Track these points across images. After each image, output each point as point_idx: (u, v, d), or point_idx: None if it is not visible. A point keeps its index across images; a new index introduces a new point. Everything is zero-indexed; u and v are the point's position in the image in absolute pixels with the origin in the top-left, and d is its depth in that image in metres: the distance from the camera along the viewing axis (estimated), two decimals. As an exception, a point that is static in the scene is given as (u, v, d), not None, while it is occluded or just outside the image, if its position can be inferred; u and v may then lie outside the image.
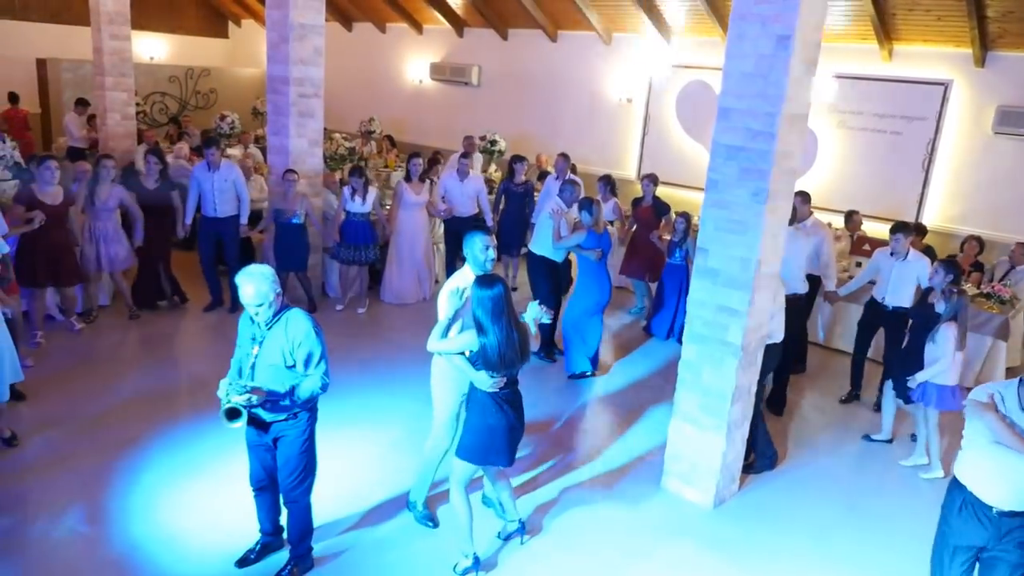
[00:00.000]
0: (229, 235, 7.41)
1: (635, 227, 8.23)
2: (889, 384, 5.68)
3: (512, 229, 8.66)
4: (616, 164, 11.53)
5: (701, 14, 9.86)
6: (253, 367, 3.40)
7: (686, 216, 7.67)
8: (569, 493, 4.76)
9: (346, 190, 7.61)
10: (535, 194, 8.91)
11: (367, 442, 5.11)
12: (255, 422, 3.48)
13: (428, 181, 8.28)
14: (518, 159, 8.77)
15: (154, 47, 15.34)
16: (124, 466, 4.62)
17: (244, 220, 7.47)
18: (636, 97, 11.32)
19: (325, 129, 11.62)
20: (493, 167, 11.55)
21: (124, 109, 10.46)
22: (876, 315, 6.26)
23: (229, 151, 11.16)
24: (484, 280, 3.57)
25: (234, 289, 7.24)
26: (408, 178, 7.99)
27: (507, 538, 4.20)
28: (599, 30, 11.25)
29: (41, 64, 13.13)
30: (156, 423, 5.15)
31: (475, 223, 8.27)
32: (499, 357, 3.53)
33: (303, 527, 3.75)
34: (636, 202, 8.40)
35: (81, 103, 11.19)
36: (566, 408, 5.98)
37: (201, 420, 5.08)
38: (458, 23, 13.05)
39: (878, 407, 6.15)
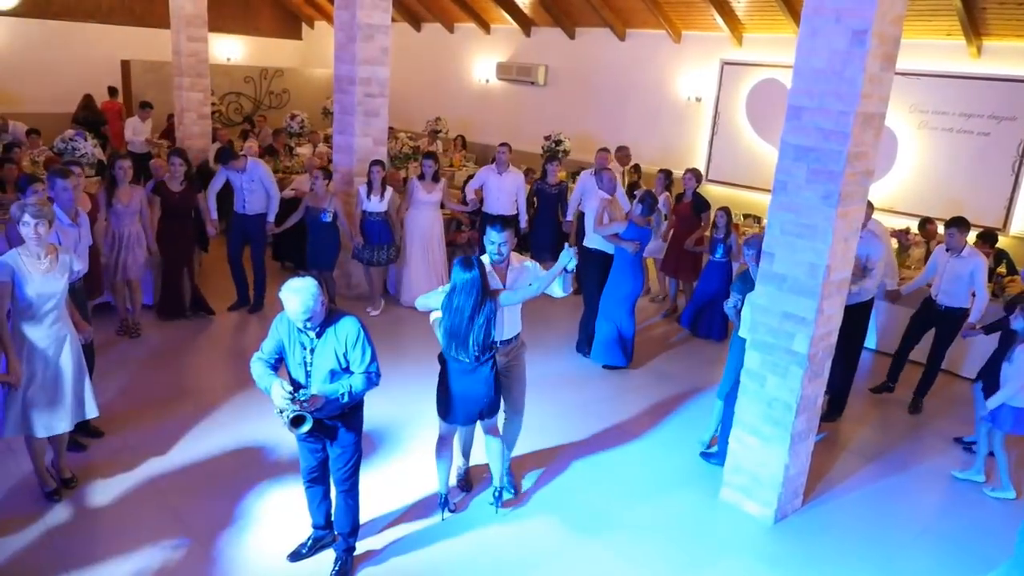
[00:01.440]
0: (256, 233, 7.33)
1: (674, 224, 8.13)
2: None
3: (545, 232, 8.40)
4: (683, 164, 11.20)
5: (774, 9, 9.56)
6: (309, 374, 3.44)
7: (726, 211, 7.49)
8: (619, 501, 4.64)
9: (361, 189, 7.40)
10: (568, 196, 8.63)
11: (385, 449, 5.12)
12: (317, 424, 3.51)
13: (443, 180, 7.93)
14: (551, 159, 8.52)
15: (231, 48, 15.84)
16: (175, 461, 4.74)
17: (271, 218, 7.34)
18: (705, 96, 11.07)
19: (391, 128, 11.80)
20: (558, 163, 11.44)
21: (200, 109, 10.80)
22: (929, 313, 6.11)
23: (298, 150, 11.43)
24: (464, 263, 3.84)
25: (258, 288, 7.39)
26: (421, 176, 7.71)
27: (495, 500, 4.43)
28: (668, 28, 11.05)
29: (125, 65, 13.69)
30: (196, 421, 5.27)
31: (507, 224, 7.99)
32: (451, 332, 3.90)
33: (354, 520, 3.78)
34: (676, 198, 8.27)
35: (146, 106, 11.10)
36: (611, 408, 5.86)
37: (248, 417, 5.17)
38: (525, 22, 13.01)
39: (914, 409, 6.21)
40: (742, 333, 4.81)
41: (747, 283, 4.95)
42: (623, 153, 9.28)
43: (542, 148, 11.36)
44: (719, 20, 10.23)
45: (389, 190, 7.46)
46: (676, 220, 8.01)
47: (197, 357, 6.45)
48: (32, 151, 9.31)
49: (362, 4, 7.33)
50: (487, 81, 13.97)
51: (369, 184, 7.32)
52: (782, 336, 4.29)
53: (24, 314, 3.87)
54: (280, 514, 4.19)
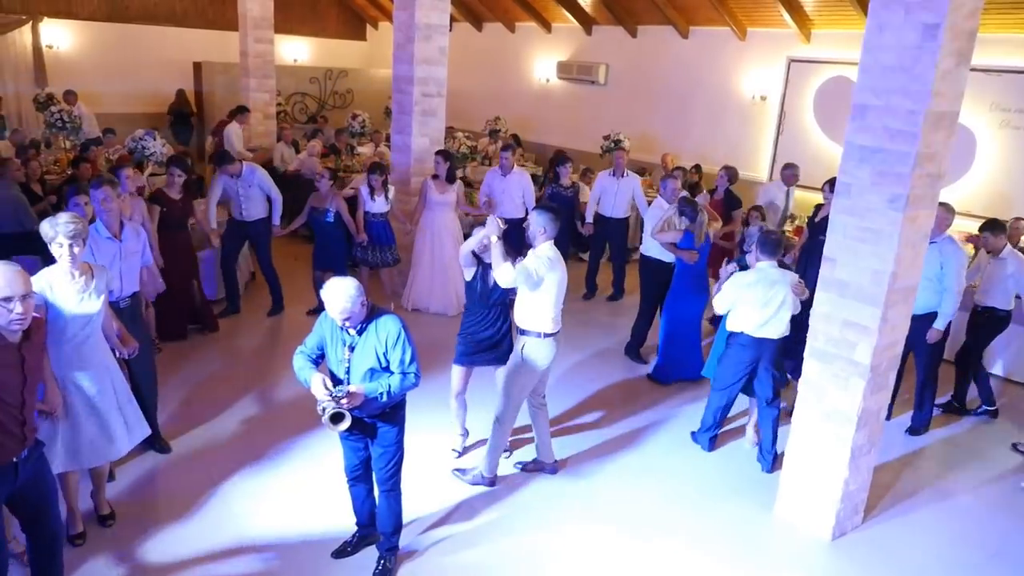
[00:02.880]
0: (258, 238, 7.18)
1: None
2: None
3: (559, 236, 8.10)
4: (747, 164, 11.00)
5: (844, 4, 9.21)
6: (348, 372, 3.45)
7: (759, 209, 7.36)
8: (670, 509, 4.53)
9: (363, 190, 7.25)
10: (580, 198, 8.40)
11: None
12: (357, 422, 3.52)
13: (459, 182, 7.68)
14: (562, 160, 8.23)
15: (298, 50, 16.18)
16: (223, 457, 4.83)
17: (276, 220, 7.20)
18: (771, 94, 10.75)
19: (450, 128, 11.85)
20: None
21: (266, 109, 11.09)
22: (972, 316, 6.02)
23: (359, 149, 11.59)
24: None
25: (275, 291, 7.11)
26: (435, 176, 7.47)
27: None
28: (733, 25, 10.77)
29: (197, 67, 14.14)
30: (241, 420, 5.36)
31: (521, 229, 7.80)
32: (476, 293, 4.61)
33: (397, 518, 3.79)
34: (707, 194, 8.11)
35: (242, 110, 10.88)
36: (661, 414, 5.72)
37: (296, 416, 5.23)
38: (587, 21, 12.89)
39: (949, 408, 6.08)
40: (718, 308, 5.04)
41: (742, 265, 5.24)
42: (790, 172, 8.29)
43: (601, 148, 11.24)
44: (786, 16, 9.91)
45: (392, 190, 7.31)
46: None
47: (235, 358, 6.57)
48: (107, 150, 9.68)
49: (421, 4, 7.37)
50: (547, 80, 13.90)
51: (371, 187, 7.20)
52: (843, 345, 4.11)
53: (59, 339, 3.48)
54: (327, 511, 4.22)
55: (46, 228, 3.50)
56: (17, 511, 3.14)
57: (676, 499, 4.65)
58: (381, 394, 3.38)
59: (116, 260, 4.42)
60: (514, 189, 7.80)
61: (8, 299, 2.72)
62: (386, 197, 7.23)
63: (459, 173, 9.84)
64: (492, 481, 4.63)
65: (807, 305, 4.82)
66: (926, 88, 3.62)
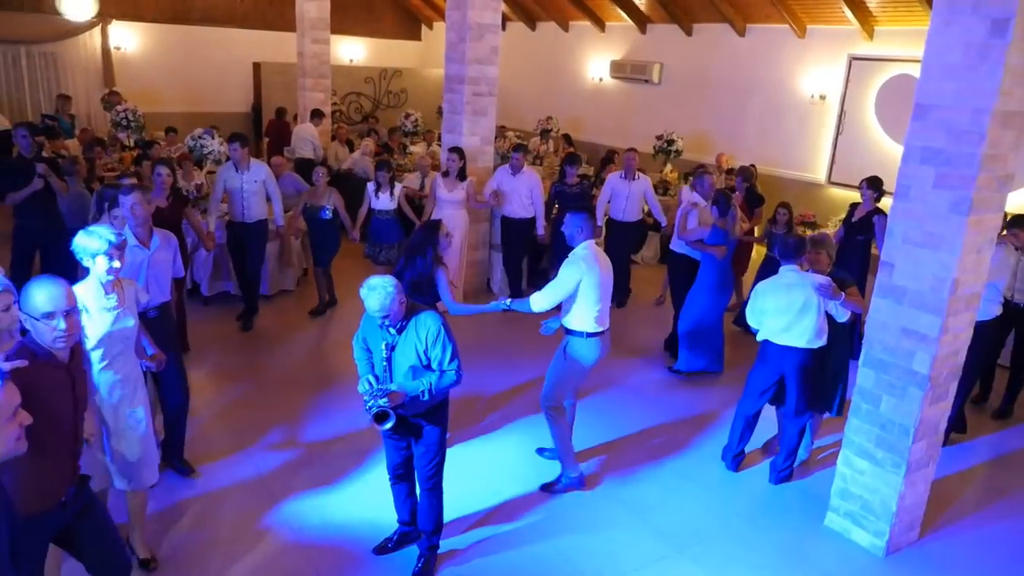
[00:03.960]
0: (256, 242, 6.74)
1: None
2: None
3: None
4: (804, 165, 10.73)
5: (909, 1, 8.90)
6: (390, 370, 3.47)
7: (787, 206, 7.22)
8: (716, 518, 4.43)
9: (370, 187, 7.15)
10: (594, 197, 8.16)
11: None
12: (401, 422, 3.53)
13: (469, 179, 7.46)
14: (570, 158, 7.99)
15: (353, 50, 16.41)
16: (271, 454, 4.90)
17: (280, 222, 6.91)
18: (831, 93, 10.45)
19: (502, 127, 11.85)
20: (669, 167, 11.17)
21: (321, 108, 11.24)
22: (1007, 314, 5.68)
23: (412, 148, 11.70)
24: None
25: (251, 301, 6.78)
26: (446, 173, 7.36)
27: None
28: (792, 23, 10.51)
29: (256, 68, 14.47)
30: (292, 417, 5.43)
31: (529, 229, 7.71)
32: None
33: (438, 517, 3.79)
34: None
35: (318, 113, 10.98)
36: (703, 419, 5.60)
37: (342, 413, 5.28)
38: (641, 20, 12.75)
39: (999, 414, 5.94)
40: (750, 322, 4.90)
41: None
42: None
43: (654, 148, 11.10)
44: (848, 13, 9.62)
45: (399, 187, 7.19)
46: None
47: (269, 355, 6.67)
48: (169, 148, 9.98)
49: (473, 4, 7.38)
50: (600, 80, 13.79)
51: (377, 183, 7.10)
52: (900, 354, 3.95)
53: (90, 359, 3.28)
54: (370, 508, 4.25)
55: (85, 240, 3.27)
56: (81, 557, 2.87)
57: (722, 508, 4.55)
58: (422, 392, 3.39)
59: (143, 268, 4.23)
60: (522, 188, 7.66)
61: (51, 315, 2.50)
62: (391, 194, 7.09)
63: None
64: (580, 479, 4.58)
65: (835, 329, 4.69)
66: (994, 86, 3.45)
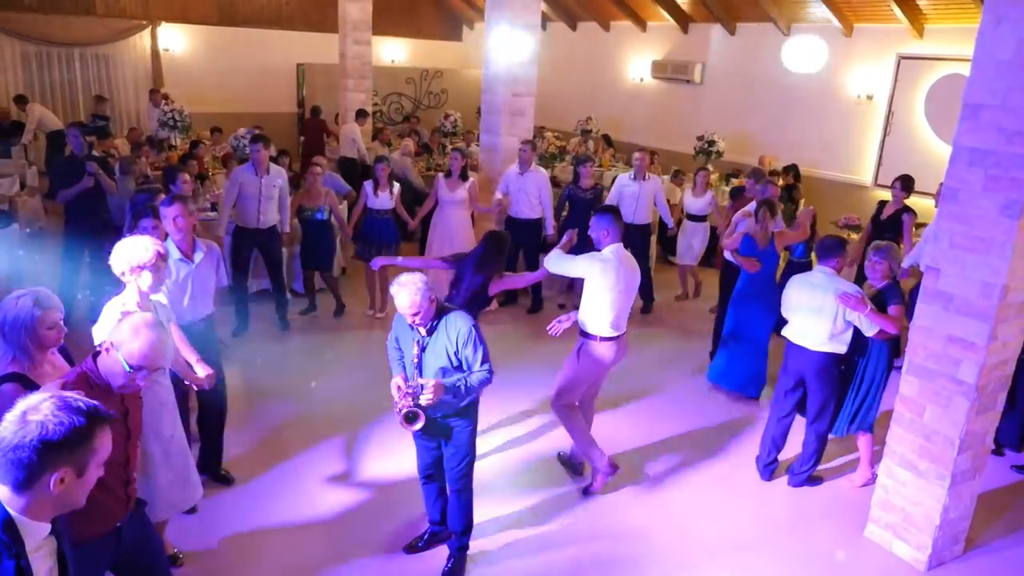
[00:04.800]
0: (275, 248, 6.56)
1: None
2: None
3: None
4: (849, 167, 10.49)
5: (962, -3, 8.65)
6: (420, 371, 3.47)
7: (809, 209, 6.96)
8: (754, 528, 4.34)
9: (367, 185, 6.99)
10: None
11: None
12: (431, 423, 3.53)
13: (472, 180, 7.36)
14: (583, 161, 7.71)
15: (395, 51, 16.55)
16: (302, 452, 4.95)
17: (287, 228, 6.70)
18: (878, 93, 10.20)
19: (541, 127, 11.82)
20: (710, 168, 11.00)
21: (364, 109, 11.35)
22: None
23: (451, 148, 11.73)
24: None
25: (281, 309, 6.69)
26: (448, 173, 7.25)
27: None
28: (839, 21, 10.28)
29: (300, 69, 14.68)
30: (328, 417, 5.48)
31: (537, 230, 7.48)
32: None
33: (467, 518, 3.79)
34: (737, 192, 7.74)
35: (362, 114, 11.15)
36: (742, 426, 5.50)
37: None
38: (683, 19, 12.61)
39: None
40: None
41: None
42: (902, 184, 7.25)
43: (694, 149, 10.96)
44: (897, 11, 9.37)
45: (396, 186, 7.04)
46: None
47: (300, 359, 6.74)
48: (214, 147, 10.18)
49: (512, 4, 7.37)
50: (641, 80, 13.68)
51: (375, 181, 6.96)
52: (945, 362, 3.83)
53: None
54: (400, 507, 4.27)
55: (128, 252, 3.12)
56: None
57: (760, 516, 4.46)
58: (458, 386, 3.37)
59: (187, 282, 4.13)
60: (530, 187, 7.39)
61: (140, 369, 2.41)
62: (390, 193, 6.95)
63: (548, 173, 9.82)
64: (609, 465, 4.52)
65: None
66: (1048, 85, 3.32)
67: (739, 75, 11.98)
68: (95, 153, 7.19)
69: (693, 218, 8.17)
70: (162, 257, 3.21)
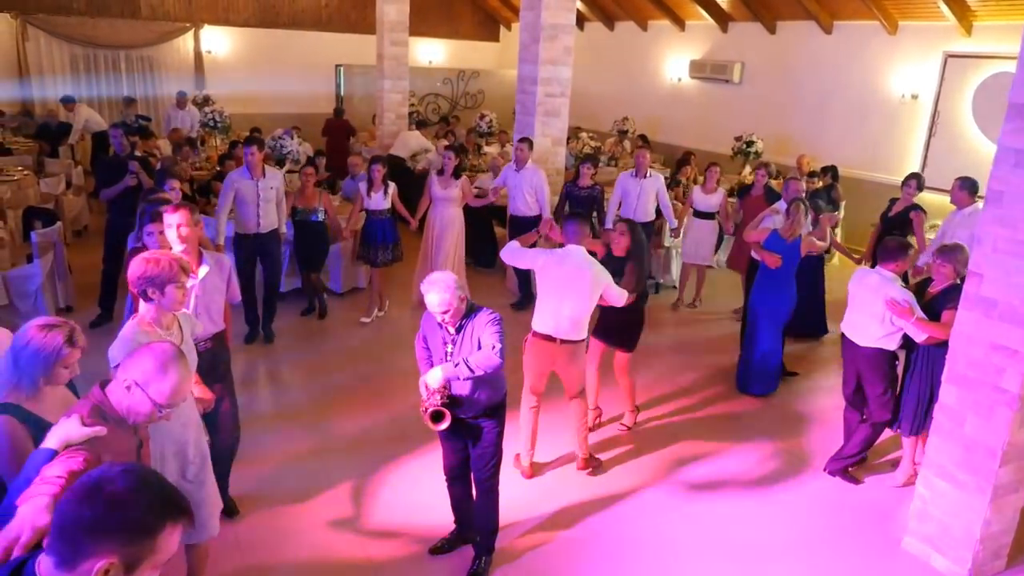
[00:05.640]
0: (274, 252, 6.43)
1: (742, 219, 7.51)
2: None
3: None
4: (892, 168, 10.24)
5: (1013, -6, 8.39)
6: None
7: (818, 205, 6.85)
8: (788, 537, 4.25)
9: (362, 186, 6.84)
10: (605, 200, 7.76)
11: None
12: (458, 421, 3.53)
13: (464, 177, 7.34)
14: (585, 159, 7.56)
15: (433, 51, 16.64)
16: (325, 452, 4.98)
17: (284, 229, 6.55)
18: (923, 93, 9.95)
19: (576, 128, 11.77)
20: (748, 170, 10.85)
21: (398, 109, 11.46)
22: None
23: (486, 149, 11.75)
24: None
25: (268, 314, 6.43)
26: (441, 171, 7.19)
27: None
28: (883, 19, 10.05)
29: (338, 69, 14.84)
30: (360, 418, 5.50)
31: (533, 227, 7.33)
32: None
33: (493, 519, 3.78)
34: (745, 191, 7.58)
35: (422, 124, 11.25)
36: (782, 433, 5.39)
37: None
38: (723, 18, 12.45)
39: None
40: None
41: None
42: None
43: (732, 149, 10.81)
44: (944, 8, 9.13)
45: (392, 186, 6.94)
46: (745, 216, 7.43)
47: (323, 358, 6.78)
48: (252, 148, 10.31)
49: (547, 4, 7.35)
50: (679, 80, 13.54)
51: (369, 181, 6.82)
52: (988, 371, 3.70)
53: None
54: (426, 508, 4.26)
55: (150, 267, 2.90)
56: None
57: (792, 525, 4.36)
58: (459, 367, 3.34)
59: (190, 297, 3.65)
60: (525, 185, 7.33)
61: (168, 407, 2.29)
62: (385, 192, 6.83)
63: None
64: (526, 468, 4.65)
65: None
66: (1099, 84, 3.19)
67: (779, 74, 11.79)
68: (137, 153, 7.35)
69: (701, 215, 7.89)
70: (184, 270, 2.99)
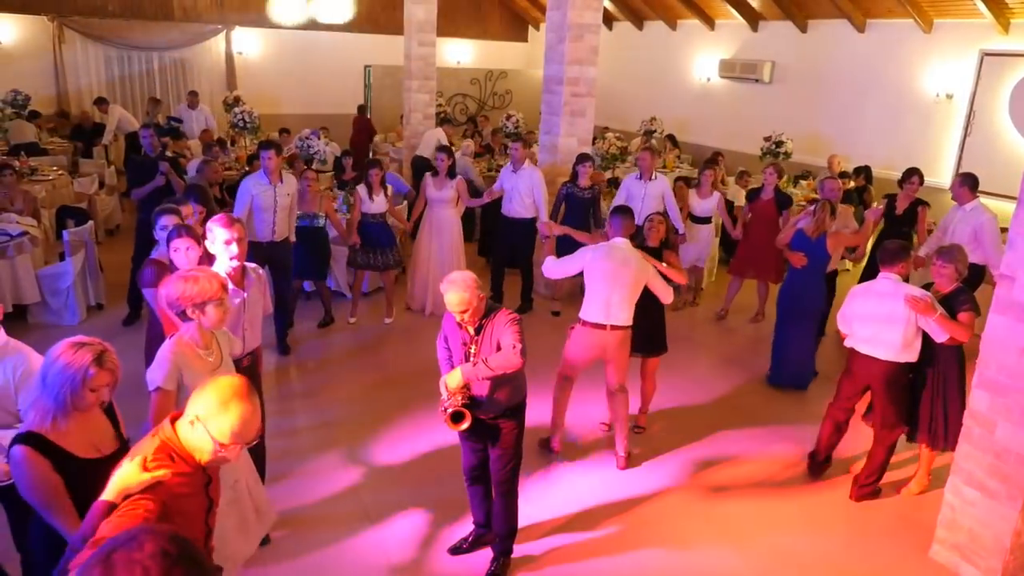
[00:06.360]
0: (285, 261, 6.19)
1: (749, 222, 7.40)
2: None
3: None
4: (926, 169, 9.85)
5: (1054, -9, 8.17)
6: None
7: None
8: (812, 544, 4.18)
9: (361, 190, 6.71)
10: (602, 201, 7.56)
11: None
12: (478, 421, 3.53)
13: (459, 177, 7.21)
14: (582, 158, 7.29)
15: (461, 52, 16.68)
16: (348, 452, 5.00)
17: (294, 237, 6.35)
18: (958, 92, 9.74)
19: (604, 128, 11.71)
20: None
21: (425, 109, 11.49)
22: None
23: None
24: None
25: (282, 325, 6.31)
26: (435, 172, 7.10)
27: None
28: (917, 17, 9.86)
29: (367, 70, 14.93)
30: (387, 420, 5.52)
31: (528, 230, 7.23)
32: None
33: (512, 521, 3.77)
34: (753, 194, 7.42)
35: (446, 121, 11.33)
36: (807, 437, 5.30)
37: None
38: (753, 17, 12.31)
39: None
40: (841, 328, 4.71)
41: None
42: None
43: (761, 150, 10.68)
44: (981, 5, 8.92)
45: (389, 189, 6.83)
46: (752, 219, 7.32)
47: (341, 363, 6.83)
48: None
49: (573, 4, 7.32)
50: (708, 80, 13.42)
51: (368, 185, 6.72)
52: (1020, 376, 3.61)
53: None
54: (445, 508, 4.26)
55: (191, 287, 2.76)
56: None
57: (819, 532, 4.29)
58: (477, 366, 3.32)
59: (240, 313, 3.59)
60: (522, 186, 7.15)
61: (234, 445, 2.10)
62: (385, 195, 6.78)
63: (608, 174, 9.72)
64: (555, 443, 4.93)
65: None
66: None
67: (810, 74, 11.63)
68: (168, 153, 7.46)
69: (696, 220, 7.72)
70: (225, 288, 2.87)
